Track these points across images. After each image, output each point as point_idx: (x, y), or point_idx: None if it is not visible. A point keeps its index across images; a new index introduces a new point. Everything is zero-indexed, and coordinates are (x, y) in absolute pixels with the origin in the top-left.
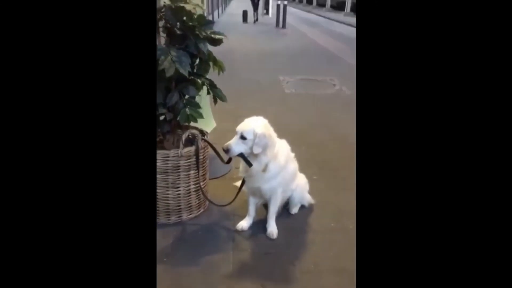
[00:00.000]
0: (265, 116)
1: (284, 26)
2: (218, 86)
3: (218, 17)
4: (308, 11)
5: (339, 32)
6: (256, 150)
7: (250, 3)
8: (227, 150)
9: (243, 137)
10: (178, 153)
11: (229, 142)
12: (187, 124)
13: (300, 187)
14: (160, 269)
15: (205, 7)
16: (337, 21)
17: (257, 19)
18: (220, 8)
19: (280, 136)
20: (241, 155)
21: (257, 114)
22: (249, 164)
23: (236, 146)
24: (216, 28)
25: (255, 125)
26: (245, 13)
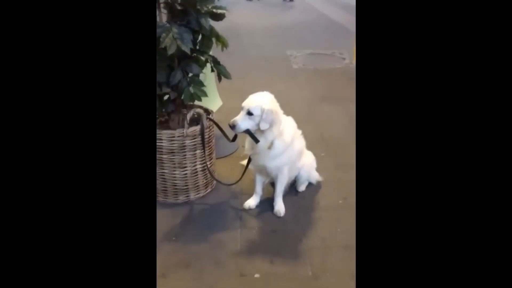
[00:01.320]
0: (273, 93)
1: None
2: (224, 63)
3: None
4: None
5: (350, 4)
6: (263, 126)
7: None
8: (233, 126)
9: (249, 113)
10: (183, 132)
11: (235, 118)
12: (192, 103)
13: (307, 165)
14: (169, 248)
15: None
16: None
17: None
18: None
19: (288, 112)
20: (247, 131)
21: (264, 90)
22: (256, 140)
23: (242, 122)
24: (221, 3)
25: (262, 100)
26: None
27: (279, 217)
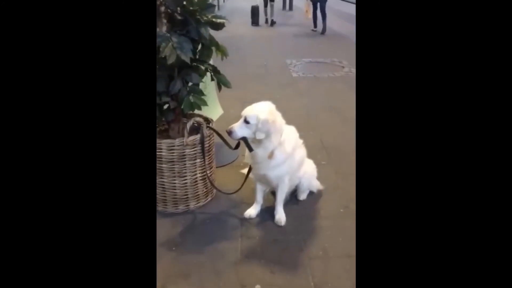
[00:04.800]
0: (273, 101)
1: (291, 8)
2: (224, 72)
3: (224, 1)
4: None
5: (348, 12)
6: (259, 136)
7: None
8: (230, 133)
9: (246, 121)
10: (183, 141)
11: (233, 125)
12: (192, 112)
13: (308, 174)
14: (169, 257)
15: None
16: (346, 1)
17: (272, 21)
18: None
19: (288, 121)
20: (243, 139)
21: (264, 99)
22: (250, 149)
23: (239, 129)
24: (221, 13)
25: (259, 110)
26: (255, 11)
27: (280, 226)
